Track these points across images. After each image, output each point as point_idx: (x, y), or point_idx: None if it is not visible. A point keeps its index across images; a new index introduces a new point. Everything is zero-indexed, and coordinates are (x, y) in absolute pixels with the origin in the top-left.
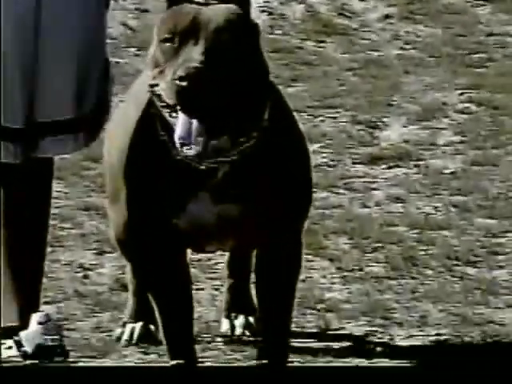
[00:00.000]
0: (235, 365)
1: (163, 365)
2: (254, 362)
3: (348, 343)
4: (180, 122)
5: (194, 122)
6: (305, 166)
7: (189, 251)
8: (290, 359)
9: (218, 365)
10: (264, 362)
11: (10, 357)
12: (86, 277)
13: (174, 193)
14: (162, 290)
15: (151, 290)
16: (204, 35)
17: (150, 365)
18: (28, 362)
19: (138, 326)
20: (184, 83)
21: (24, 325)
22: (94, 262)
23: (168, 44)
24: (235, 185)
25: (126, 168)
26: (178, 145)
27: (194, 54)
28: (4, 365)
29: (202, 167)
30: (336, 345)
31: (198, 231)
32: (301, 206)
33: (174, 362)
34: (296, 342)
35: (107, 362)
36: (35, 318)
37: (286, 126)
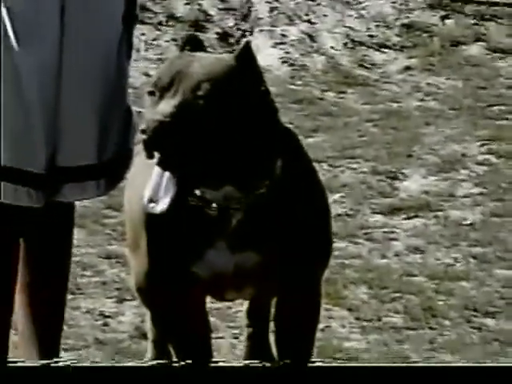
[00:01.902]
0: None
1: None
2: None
3: None
4: (153, 177)
5: (166, 176)
6: (323, 215)
7: (208, 300)
8: None
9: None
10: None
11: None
12: (106, 324)
13: (192, 241)
14: (181, 338)
15: (170, 338)
16: (183, 88)
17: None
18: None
19: None
20: (144, 136)
21: None
22: (114, 310)
23: (151, 97)
24: (251, 233)
25: (145, 216)
26: (146, 201)
27: (165, 107)
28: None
29: (214, 212)
30: None
31: (217, 279)
32: (319, 256)
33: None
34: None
35: None
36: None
37: (303, 175)
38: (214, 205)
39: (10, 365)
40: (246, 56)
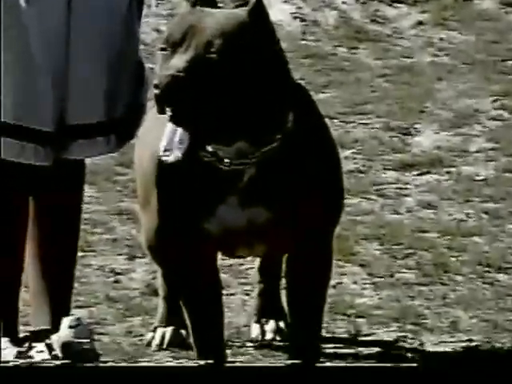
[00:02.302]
0: (265, 365)
1: (192, 365)
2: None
3: (378, 349)
4: (166, 132)
5: (179, 131)
6: (335, 171)
7: (220, 257)
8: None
9: (247, 365)
10: (295, 362)
11: (42, 360)
12: (117, 281)
13: (204, 197)
14: (193, 294)
15: (182, 294)
16: (195, 43)
17: (179, 365)
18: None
19: (169, 330)
20: (157, 91)
21: (55, 329)
22: (125, 267)
23: (163, 53)
24: (263, 188)
25: (156, 173)
26: (161, 151)
27: (178, 62)
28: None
29: (227, 168)
30: (366, 350)
31: (228, 235)
32: (331, 211)
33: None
34: (326, 348)
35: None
36: (66, 321)
37: (314, 130)
38: (227, 160)
39: (3, 365)
40: (258, 10)
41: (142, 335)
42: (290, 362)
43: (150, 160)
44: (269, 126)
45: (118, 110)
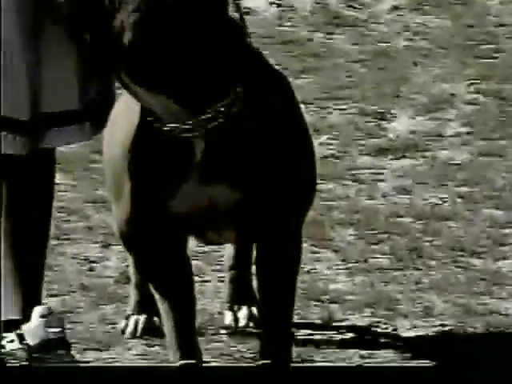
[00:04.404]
0: (238, 365)
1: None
2: (257, 358)
3: (352, 334)
4: None
5: None
6: (304, 154)
7: (195, 243)
8: (293, 355)
9: (221, 365)
10: (267, 362)
11: (12, 350)
12: (91, 269)
13: (166, 174)
14: (163, 280)
15: (152, 281)
16: None
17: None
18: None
19: (142, 318)
20: None
21: (26, 318)
22: (99, 255)
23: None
24: (221, 166)
25: (125, 160)
26: None
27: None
28: (7, 360)
29: (175, 135)
30: (340, 336)
31: (193, 215)
32: (301, 197)
33: (178, 360)
34: (300, 334)
35: (111, 354)
36: (37, 311)
37: (278, 110)
38: (171, 125)
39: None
40: None
41: (115, 323)
42: (261, 362)
43: (119, 146)
44: (206, 92)
45: (90, 96)
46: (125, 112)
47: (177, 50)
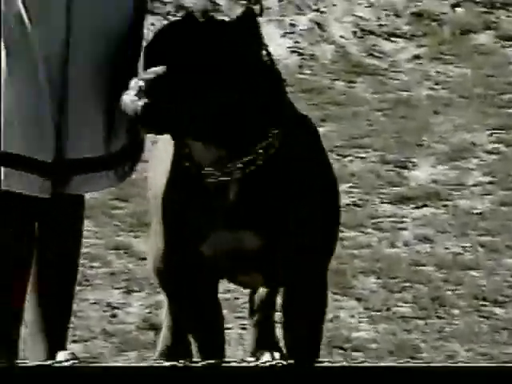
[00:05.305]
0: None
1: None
2: None
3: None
4: None
5: None
6: (330, 199)
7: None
8: None
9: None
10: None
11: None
12: (113, 316)
13: (198, 218)
14: (196, 320)
15: (185, 321)
16: (176, 52)
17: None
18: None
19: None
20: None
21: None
22: (122, 301)
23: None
24: (249, 211)
25: (162, 201)
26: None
27: (157, 68)
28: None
29: (211, 180)
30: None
31: (222, 258)
32: (325, 243)
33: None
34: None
35: None
36: (61, 356)
37: (307, 153)
38: (208, 169)
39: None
40: (247, 18)
41: None
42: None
43: (157, 187)
44: (246, 135)
45: (118, 144)
46: (162, 154)
47: (219, 96)
